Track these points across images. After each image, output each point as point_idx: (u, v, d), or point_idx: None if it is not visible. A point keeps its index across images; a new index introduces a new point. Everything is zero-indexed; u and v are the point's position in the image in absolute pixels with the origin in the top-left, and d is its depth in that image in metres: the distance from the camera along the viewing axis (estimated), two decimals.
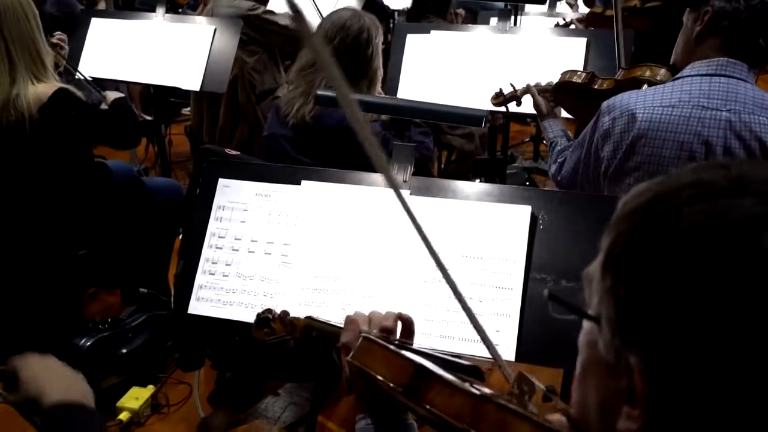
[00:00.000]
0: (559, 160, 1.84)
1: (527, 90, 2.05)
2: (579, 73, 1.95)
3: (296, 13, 0.47)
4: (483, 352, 1.17)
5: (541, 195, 1.35)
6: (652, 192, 0.51)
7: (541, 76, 2.09)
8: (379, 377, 0.78)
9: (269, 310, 1.12)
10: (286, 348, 1.86)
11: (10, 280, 2.17)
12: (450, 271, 1.27)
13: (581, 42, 2.43)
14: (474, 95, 2.38)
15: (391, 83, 2.63)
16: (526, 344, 1.22)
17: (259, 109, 3.37)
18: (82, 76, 2.56)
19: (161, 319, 2.34)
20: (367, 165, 2.04)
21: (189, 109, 3.89)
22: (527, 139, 4.73)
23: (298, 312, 1.32)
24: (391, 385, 0.75)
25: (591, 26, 3.32)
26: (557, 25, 3.57)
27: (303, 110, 2.02)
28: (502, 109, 2.19)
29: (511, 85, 2.10)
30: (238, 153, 2.26)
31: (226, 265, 1.42)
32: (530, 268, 1.26)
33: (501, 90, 2.13)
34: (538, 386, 0.66)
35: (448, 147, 3.74)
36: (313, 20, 3.17)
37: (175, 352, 2.33)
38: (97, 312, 2.65)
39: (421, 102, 1.76)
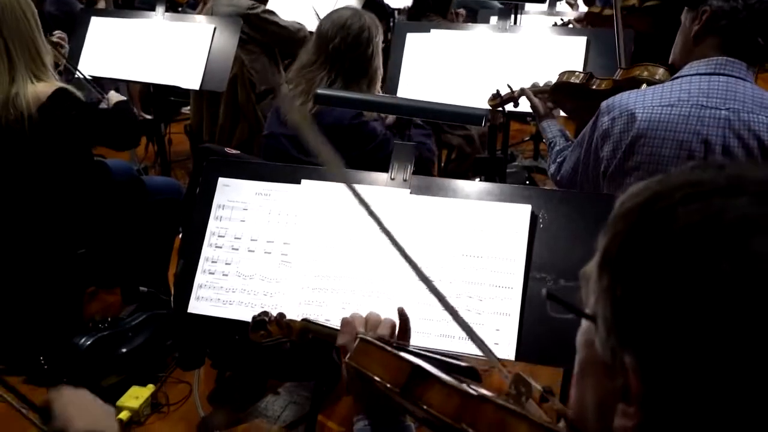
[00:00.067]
0: (558, 160, 1.84)
1: (522, 92, 2.05)
2: (577, 73, 1.95)
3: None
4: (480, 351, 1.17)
5: (541, 194, 1.35)
6: (649, 192, 0.51)
7: (541, 75, 2.09)
8: (377, 378, 0.78)
9: (265, 313, 1.12)
10: (283, 349, 1.86)
11: (10, 280, 2.17)
12: (450, 271, 1.28)
13: (581, 41, 2.43)
14: (474, 94, 2.38)
15: (391, 82, 2.62)
16: (526, 343, 1.22)
17: (259, 108, 3.37)
18: (82, 75, 2.56)
19: (161, 319, 2.34)
20: (368, 163, 2.04)
21: (189, 108, 3.89)
22: (527, 138, 4.73)
23: (298, 311, 1.32)
24: (389, 385, 0.75)
25: (589, 25, 3.32)
26: (555, 24, 3.57)
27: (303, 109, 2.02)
28: (499, 109, 2.19)
29: (509, 86, 2.10)
30: (238, 152, 2.26)
31: (226, 264, 1.42)
32: (530, 267, 1.26)
33: (498, 91, 2.13)
34: (535, 387, 0.66)
35: (448, 146, 3.74)
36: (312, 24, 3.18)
37: (175, 351, 2.33)
38: (97, 311, 2.65)
39: (421, 101, 1.76)
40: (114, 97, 2.37)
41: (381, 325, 0.99)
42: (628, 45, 2.28)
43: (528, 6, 3.92)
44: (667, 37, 1.69)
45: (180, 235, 2.47)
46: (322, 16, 2.21)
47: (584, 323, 0.56)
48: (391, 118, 2.10)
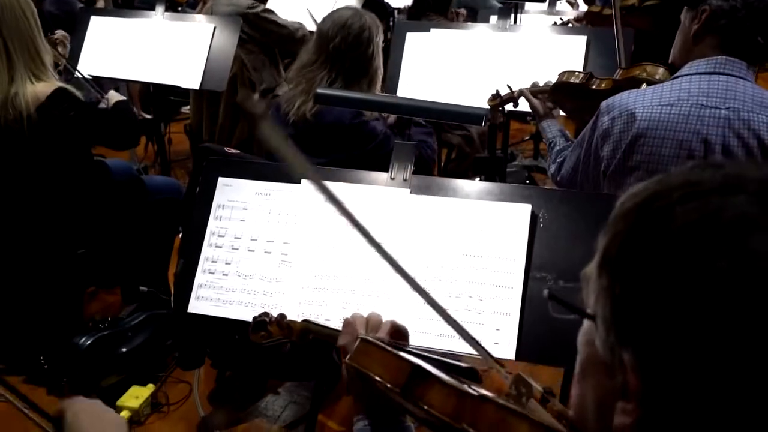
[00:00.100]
0: (558, 160, 1.84)
1: (521, 93, 2.05)
2: (577, 73, 1.95)
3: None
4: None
5: (542, 193, 1.35)
6: (648, 191, 0.52)
7: (541, 75, 2.09)
8: (377, 378, 0.78)
9: (266, 314, 1.12)
10: (283, 351, 1.86)
11: (10, 280, 2.17)
12: (450, 271, 1.28)
13: (581, 40, 2.43)
14: (474, 93, 2.38)
15: (390, 81, 2.62)
16: (526, 343, 1.22)
17: None
18: (81, 75, 2.56)
19: (161, 318, 2.34)
20: (368, 162, 2.04)
21: (188, 107, 3.89)
22: (527, 138, 4.73)
23: (298, 311, 1.32)
24: (389, 385, 0.75)
25: (589, 25, 3.32)
26: (555, 24, 3.57)
27: (304, 108, 2.02)
28: (500, 109, 2.19)
29: (508, 86, 2.10)
30: (238, 151, 2.26)
31: (226, 264, 1.42)
32: (530, 267, 1.26)
33: (498, 92, 2.13)
34: (535, 388, 0.66)
35: (448, 145, 3.74)
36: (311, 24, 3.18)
37: (175, 351, 2.33)
38: (97, 311, 2.65)
39: (421, 100, 1.76)
40: (113, 96, 2.37)
41: (382, 326, 0.99)
42: (628, 45, 2.28)
43: (528, 5, 3.92)
44: (667, 36, 1.69)
45: (180, 235, 2.47)
46: (317, 17, 2.21)
47: (585, 324, 0.57)
48: (392, 117, 2.10)
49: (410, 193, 1.37)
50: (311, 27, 3.31)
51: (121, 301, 2.64)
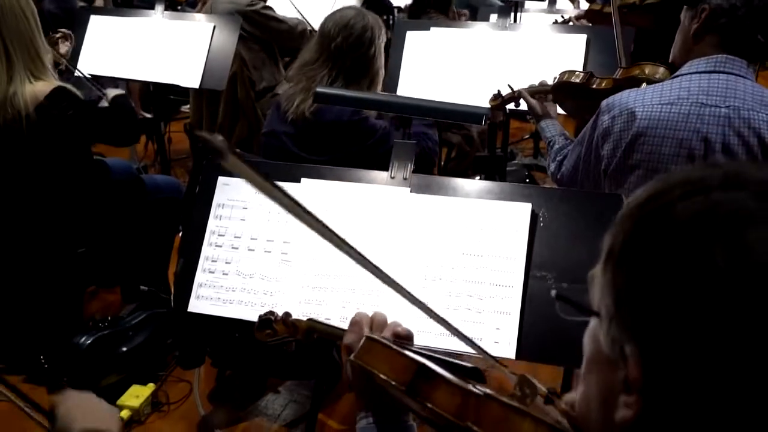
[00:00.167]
0: (558, 159, 1.84)
1: (520, 94, 2.05)
2: (577, 73, 1.95)
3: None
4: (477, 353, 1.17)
5: (542, 192, 1.35)
6: (650, 190, 0.53)
7: (541, 74, 2.09)
8: (382, 376, 0.78)
9: (271, 312, 1.12)
10: (287, 351, 1.86)
11: (10, 279, 2.17)
12: (450, 270, 1.28)
13: (581, 39, 2.43)
14: (474, 93, 2.38)
15: (390, 80, 2.62)
16: (526, 342, 1.22)
17: (259, 106, 3.37)
18: (82, 74, 2.55)
19: (161, 317, 2.34)
20: (369, 158, 2.03)
21: (188, 106, 3.89)
22: (527, 136, 4.73)
23: (298, 310, 1.32)
24: (394, 383, 0.75)
25: (589, 23, 3.31)
26: (556, 22, 3.57)
27: (303, 106, 2.02)
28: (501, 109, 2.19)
29: (509, 86, 2.10)
30: (238, 150, 2.25)
31: (226, 263, 1.42)
32: (530, 266, 1.26)
33: (499, 92, 2.14)
34: (540, 388, 0.66)
35: (448, 144, 3.73)
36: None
37: (176, 350, 2.33)
38: (97, 310, 2.65)
39: (421, 99, 1.76)
40: (111, 92, 2.37)
41: (387, 326, 0.99)
42: (628, 43, 2.28)
43: (528, 4, 3.91)
44: (668, 35, 1.69)
45: (180, 234, 2.47)
46: (316, 16, 2.21)
47: (592, 323, 0.58)
48: None
49: (410, 192, 1.37)
50: (314, 24, 3.31)
51: (121, 300, 2.64)
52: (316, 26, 3.01)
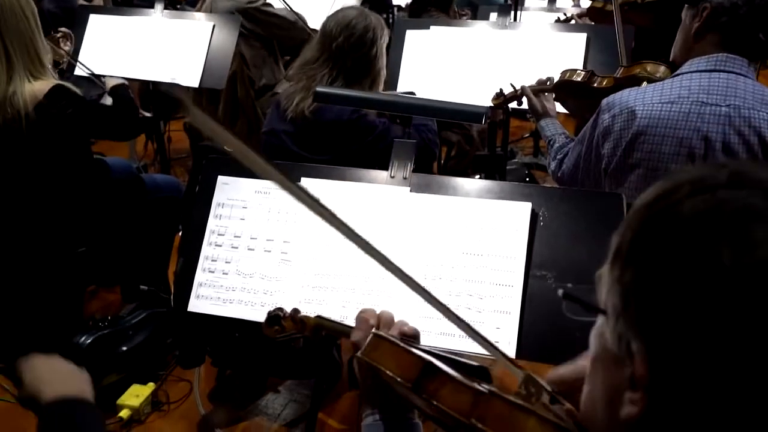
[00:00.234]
0: (558, 157, 1.84)
1: (523, 91, 2.05)
2: (578, 71, 1.95)
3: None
4: (483, 349, 1.17)
5: (542, 192, 1.34)
6: (658, 189, 0.54)
7: (540, 73, 2.09)
8: (389, 373, 0.79)
9: (280, 309, 1.12)
10: (295, 347, 1.86)
11: (10, 279, 2.17)
12: (450, 269, 1.27)
13: (581, 37, 2.42)
14: (474, 91, 2.37)
15: (390, 79, 2.62)
16: (526, 341, 1.22)
17: (258, 104, 3.37)
18: (87, 69, 2.54)
19: (161, 317, 2.34)
20: (369, 155, 2.02)
21: None
22: (527, 135, 4.72)
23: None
24: (400, 380, 0.76)
25: (592, 21, 3.31)
26: (558, 20, 3.56)
27: (303, 105, 2.02)
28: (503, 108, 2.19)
29: (512, 85, 2.10)
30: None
31: (226, 262, 1.42)
32: (530, 265, 1.26)
33: (501, 90, 2.14)
34: (545, 388, 0.66)
35: (448, 143, 3.73)
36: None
37: (176, 350, 2.33)
38: (97, 309, 2.65)
39: (421, 98, 1.76)
40: (111, 81, 2.36)
41: (395, 324, 0.99)
42: (628, 42, 2.28)
43: (528, 2, 3.91)
44: (668, 33, 1.68)
45: (180, 233, 2.47)
46: (315, 16, 2.20)
47: (598, 321, 0.58)
48: None
49: (410, 191, 1.37)
50: (312, 24, 3.31)
51: (121, 299, 2.64)
52: (315, 26, 3.01)
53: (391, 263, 0.73)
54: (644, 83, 1.71)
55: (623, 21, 2.25)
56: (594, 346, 0.59)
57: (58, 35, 2.55)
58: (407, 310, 1.25)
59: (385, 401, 0.91)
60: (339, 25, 2.02)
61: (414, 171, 1.39)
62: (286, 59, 3.51)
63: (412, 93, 2.31)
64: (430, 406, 0.72)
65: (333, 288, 1.34)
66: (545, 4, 3.92)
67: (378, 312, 1.01)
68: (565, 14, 3.69)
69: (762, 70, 1.58)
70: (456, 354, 0.97)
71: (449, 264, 1.29)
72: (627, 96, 1.56)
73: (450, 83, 2.53)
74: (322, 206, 0.67)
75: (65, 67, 2.58)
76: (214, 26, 2.92)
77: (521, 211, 1.29)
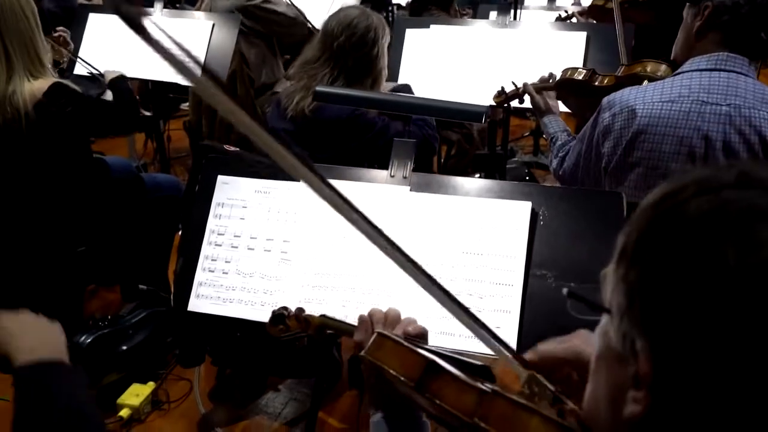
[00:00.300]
0: (560, 155, 1.84)
1: (526, 90, 2.05)
2: (579, 70, 1.95)
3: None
4: (484, 348, 1.17)
5: (542, 191, 1.34)
6: (665, 189, 0.54)
7: (540, 71, 2.08)
8: (392, 371, 0.79)
9: (285, 308, 1.12)
10: (299, 346, 1.86)
11: (10, 278, 2.17)
12: (450, 268, 1.27)
13: (581, 36, 2.42)
14: (474, 91, 2.37)
15: (390, 78, 2.61)
16: (526, 341, 1.22)
17: (258, 103, 3.36)
18: (86, 63, 2.54)
19: (161, 316, 2.34)
20: (369, 152, 2.02)
21: (188, 104, 3.88)
22: (527, 134, 4.72)
23: None
24: (403, 379, 0.76)
25: (593, 19, 3.30)
26: (558, 18, 3.55)
27: (303, 103, 2.02)
28: (504, 105, 2.19)
29: (513, 83, 2.10)
30: (238, 149, 2.25)
31: (226, 262, 1.42)
32: (530, 264, 1.26)
33: (503, 88, 2.13)
34: (548, 387, 0.66)
35: (448, 142, 3.73)
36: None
37: (176, 349, 2.33)
38: (97, 309, 2.65)
39: (421, 98, 1.75)
40: (110, 74, 2.36)
41: (400, 323, 0.99)
42: (628, 40, 2.28)
43: (528, 0, 3.90)
44: (669, 31, 1.68)
45: (180, 233, 2.47)
46: (315, 15, 2.20)
47: (602, 320, 0.58)
48: None
49: (410, 190, 1.37)
50: (314, 22, 3.30)
51: (121, 298, 2.64)
52: (317, 24, 3.01)
53: (416, 264, 0.72)
54: (645, 82, 1.70)
55: (624, 19, 2.25)
56: (597, 345, 0.59)
57: (57, 36, 2.55)
58: (407, 310, 1.25)
59: (390, 400, 0.91)
60: (340, 25, 2.02)
61: (414, 170, 1.39)
62: (286, 58, 3.51)
63: (407, 86, 2.31)
64: (433, 406, 0.72)
65: (333, 287, 1.34)
66: (545, 2, 3.91)
67: (385, 310, 1.01)
68: (566, 11, 3.68)
69: (763, 69, 1.57)
70: (459, 353, 0.97)
71: (449, 263, 1.29)
72: (627, 95, 1.55)
73: (450, 82, 2.53)
74: (347, 201, 0.66)
75: (65, 67, 2.58)
76: (213, 25, 2.91)
77: (521, 210, 1.29)
